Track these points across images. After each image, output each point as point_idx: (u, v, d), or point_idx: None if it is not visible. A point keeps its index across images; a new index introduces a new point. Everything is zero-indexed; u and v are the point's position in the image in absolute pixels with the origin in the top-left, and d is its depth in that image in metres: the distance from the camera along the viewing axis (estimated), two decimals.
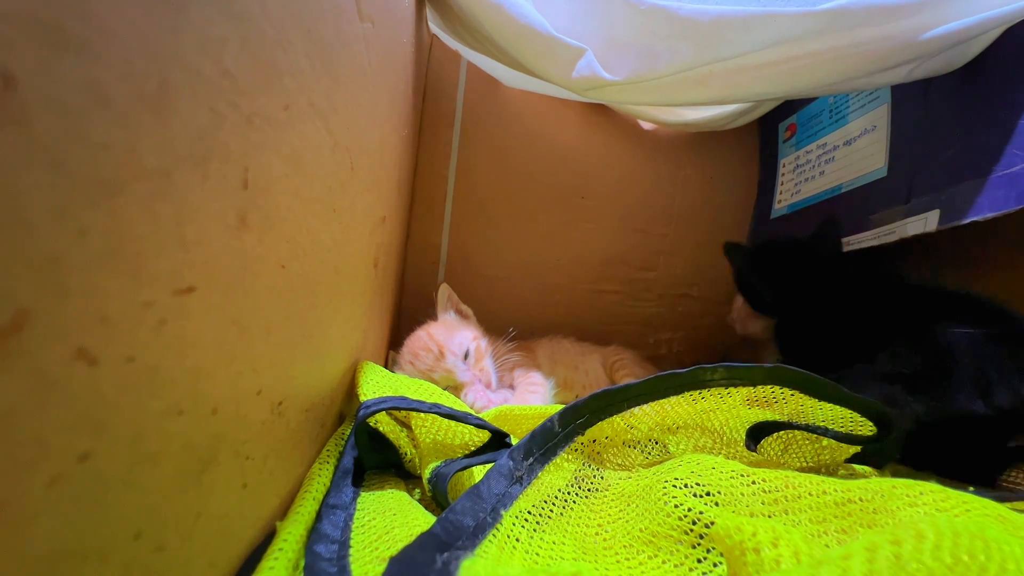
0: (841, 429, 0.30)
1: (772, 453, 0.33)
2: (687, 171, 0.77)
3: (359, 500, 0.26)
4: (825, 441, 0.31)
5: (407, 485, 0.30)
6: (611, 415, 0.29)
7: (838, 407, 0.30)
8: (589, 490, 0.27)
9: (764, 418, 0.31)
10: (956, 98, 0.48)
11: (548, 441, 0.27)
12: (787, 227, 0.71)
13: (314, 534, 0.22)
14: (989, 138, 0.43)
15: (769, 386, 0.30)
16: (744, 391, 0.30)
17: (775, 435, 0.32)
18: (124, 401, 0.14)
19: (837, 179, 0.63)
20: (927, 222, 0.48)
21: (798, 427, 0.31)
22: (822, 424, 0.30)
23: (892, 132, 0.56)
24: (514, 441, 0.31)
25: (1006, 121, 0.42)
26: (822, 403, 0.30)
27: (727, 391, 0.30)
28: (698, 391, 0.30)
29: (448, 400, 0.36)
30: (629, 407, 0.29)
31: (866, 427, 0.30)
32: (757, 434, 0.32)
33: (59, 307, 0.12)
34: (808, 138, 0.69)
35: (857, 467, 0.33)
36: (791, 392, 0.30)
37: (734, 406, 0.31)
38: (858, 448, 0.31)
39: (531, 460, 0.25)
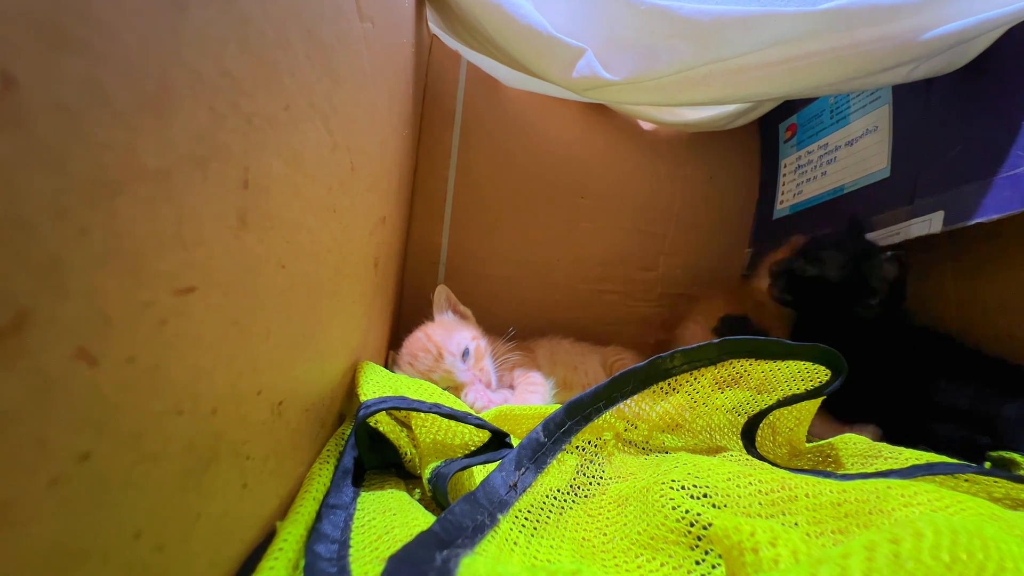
0: (803, 383, 0.31)
1: (767, 447, 0.33)
2: (687, 171, 0.77)
3: (359, 500, 0.26)
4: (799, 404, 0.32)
5: (407, 485, 0.30)
6: (591, 420, 0.30)
7: (793, 362, 0.31)
8: (586, 496, 0.28)
9: (737, 399, 0.32)
10: (958, 99, 0.48)
11: (537, 452, 0.27)
12: (790, 228, 0.71)
13: (314, 534, 0.22)
14: (992, 139, 0.43)
15: (728, 361, 0.31)
16: (710, 375, 0.31)
17: (760, 426, 0.33)
18: (124, 401, 0.14)
19: (839, 180, 0.63)
20: (932, 223, 0.48)
21: (773, 408, 0.32)
22: (786, 384, 0.32)
23: (894, 132, 0.56)
24: (515, 441, 0.31)
25: (1009, 122, 0.42)
26: (778, 363, 0.31)
27: (693, 377, 0.31)
28: (666, 382, 0.31)
29: (448, 400, 0.36)
30: (607, 408, 0.30)
31: (821, 372, 0.31)
32: (750, 434, 0.32)
33: (59, 307, 0.12)
34: (809, 138, 0.69)
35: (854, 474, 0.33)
36: (748, 362, 0.31)
37: (707, 394, 0.31)
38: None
39: (523, 470, 0.26)
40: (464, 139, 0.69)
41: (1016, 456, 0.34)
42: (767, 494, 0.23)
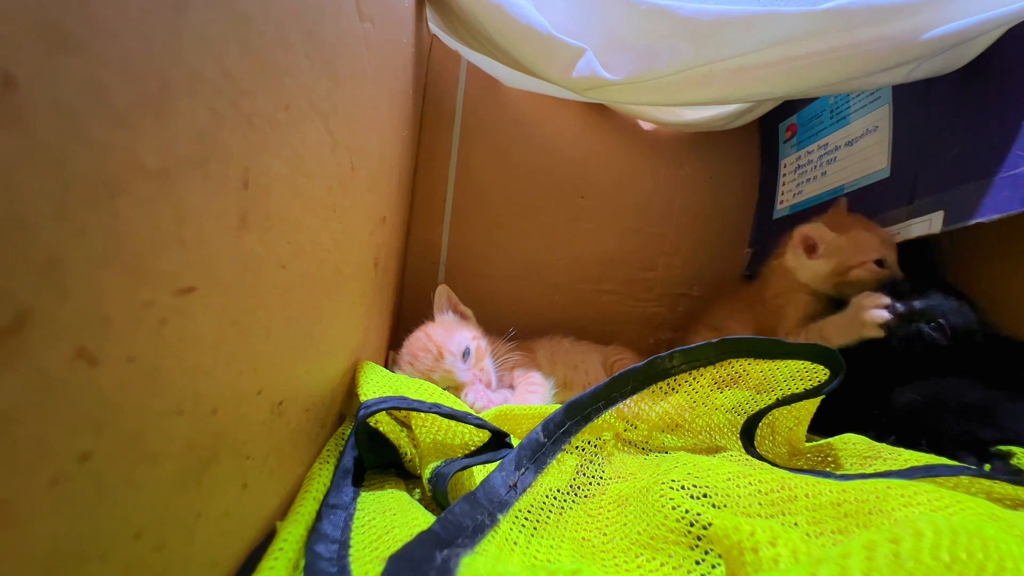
0: (801, 383, 0.32)
1: (766, 446, 0.33)
2: (687, 171, 0.77)
3: (359, 500, 0.26)
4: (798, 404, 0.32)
5: (407, 485, 0.30)
6: (591, 420, 0.30)
7: (792, 361, 0.31)
8: (586, 496, 0.28)
9: (737, 399, 0.32)
10: (957, 99, 0.48)
11: (536, 452, 0.27)
12: (789, 228, 0.71)
13: (314, 534, 0.22)
14: (992, 139, 0.43)
15: (727, 361, 0.31)
16: (709, 375, 0.31)
17: (759, 425, 0.33)
18: (124, 401, 0.14)
19: (839, 180, 0.63)
20: (932, 223, 0.48)
21: (772, 407, 0.32)
22: (785, 384, 0.32)
23: (894, 132, 0.56)
24: (515, 441, 0.31)
25: (1008, 122, 0.42)
26: (778, 362, 0.31)
27: (692, 377, 0.31)
28: (665, 382, 0.31)
29: (448, 400, 0.36)
30: (606, 408, 0.30)
31: (820, 372, 0.31)
32: (748, 434, 0.33)
33: (59, 307, 0.12)
34: (809, 138, 0.69)
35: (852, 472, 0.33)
36: (747, 362, 0.31)
37: (707, 394, 0.32)
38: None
39: (523, 470, 0.26)
40: (464, 139, 0.69)
41: (1016, 449, 0.34)
42: (767, 494, 0.23)
